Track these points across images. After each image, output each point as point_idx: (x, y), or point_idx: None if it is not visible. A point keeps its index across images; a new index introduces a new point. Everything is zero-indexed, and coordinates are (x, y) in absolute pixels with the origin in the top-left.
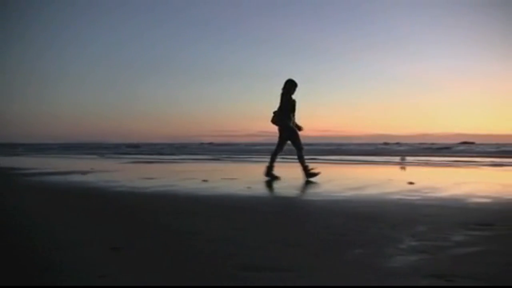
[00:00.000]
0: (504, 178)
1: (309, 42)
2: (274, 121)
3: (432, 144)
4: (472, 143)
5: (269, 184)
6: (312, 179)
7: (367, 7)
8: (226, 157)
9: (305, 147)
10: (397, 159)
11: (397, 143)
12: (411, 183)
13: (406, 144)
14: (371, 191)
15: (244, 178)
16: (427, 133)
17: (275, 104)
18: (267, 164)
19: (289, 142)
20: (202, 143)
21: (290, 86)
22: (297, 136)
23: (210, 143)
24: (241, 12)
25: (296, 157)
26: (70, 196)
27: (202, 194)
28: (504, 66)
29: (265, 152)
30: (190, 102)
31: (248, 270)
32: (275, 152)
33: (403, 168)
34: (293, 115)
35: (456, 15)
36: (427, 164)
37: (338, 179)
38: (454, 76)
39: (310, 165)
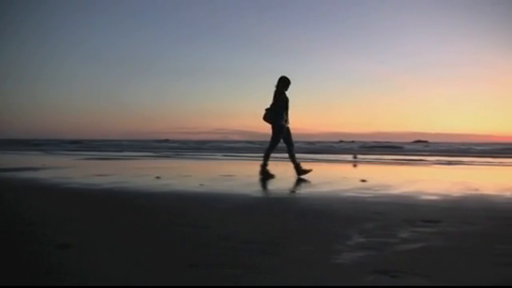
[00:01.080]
0: (453, 175)
1: (269, 40)
2: (266, 118)
3: (387, 142)
4: (426, 141)
5: (226, 182)
6: (303, 176)
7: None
8: (181, 154)
9: (263, 145)
10: (350, 157)
11: (353, 141)
12: (363, 180)
13: (361, 142)
14: (325, 189)
15: (199, 176)
16: (382, 131)
17: (235, 102)
18: (261, 162)
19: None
20: (158, 140)
21: (283, 83)
22: (288, 134)
23: (166, 140)
24: (205, 9)
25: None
26: None
27: (152, 191)
28: (459, 68)
29: (221, 149)
30: (148, 98)
31: (195, 267)
32: (268, 150)
33: (355, 166)
34: (286, 113)
35: (414, 15)
36: (380, 162)
37: (294, 177)
38: (410, 76)
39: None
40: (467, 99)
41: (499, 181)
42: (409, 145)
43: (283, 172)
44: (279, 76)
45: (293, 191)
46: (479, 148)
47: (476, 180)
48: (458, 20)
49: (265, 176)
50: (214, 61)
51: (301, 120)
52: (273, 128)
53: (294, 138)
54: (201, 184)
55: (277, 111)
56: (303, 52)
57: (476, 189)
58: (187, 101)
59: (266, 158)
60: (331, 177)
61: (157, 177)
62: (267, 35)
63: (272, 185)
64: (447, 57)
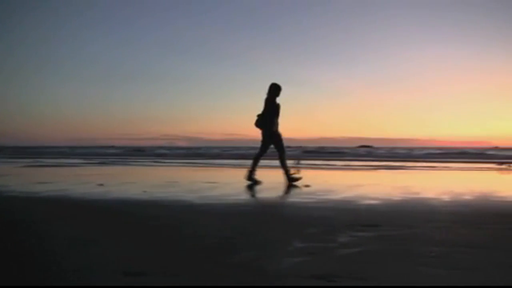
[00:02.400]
0: (395, 180)
1: (219, 46)
2: (258, 124)
3: (334, 147)
4: (370, 146)
5: (170, 188)
6: (294, 183)
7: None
8: (126, 161)
9: (207, 152)
10: (295, 162)
11: (300, 147)
12: (307, 186)
13: (306, 148)
14: (268, 194)
15: (142, 182)
16: (326, 137)
17: (182, 108)
18: (249, 167)
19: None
20: (103, 146)
21: (274, 90)
22: (280, 140)
23: (112, 146)
24: (143, 14)
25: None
26: None
27: (92, 198)
28: (401, 74)
29: (167, 155)
30: (92, 104)
31: (131, 275)
32: (258, 156)
33: (299, 171)
34: (277, 119)
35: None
36: (324, 167)
37: (238, 182)
38: (354, 82)
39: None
40: (412, 105)
41: (438, 184)
42: (353, 150)
43: (227, 179)
44: (270, 83)
45: (237, 197)
46: (421, 152)
47: (417, 184)
48: (406, 30)
49: (252, 182)
50: (161, 66)
51: (246, 125)
52: (266, 135)
53: (240, 144)
54: (144, 191)
55: (269, 118)
56: (250, 59)
57: (417, 193)
58: (133, 107)
59: (254, 164)
60: (276, 183)
61: (100, 184)
62: (216, 41)
63: (218, 191)
64: (393, 65)
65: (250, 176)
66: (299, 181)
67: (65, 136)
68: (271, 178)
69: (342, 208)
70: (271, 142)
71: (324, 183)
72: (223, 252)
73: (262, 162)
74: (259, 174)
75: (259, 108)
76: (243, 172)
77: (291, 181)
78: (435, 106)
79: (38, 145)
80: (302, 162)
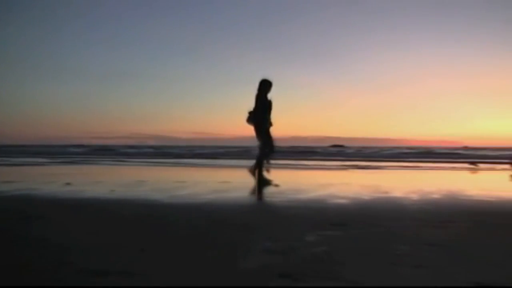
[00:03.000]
0: (364, 179)
1: (185, 45)
2: (249, 121)
3: (305, 147)
4: (342, 146)
5: (139, 188)
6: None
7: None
8: (95, 160)
9: (180, 151)
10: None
11: None
12: (276, 185)
13: (279, 147)
14: (235, 194)
15: (111, 182)
16: (298, 136)
17: (152, 106)
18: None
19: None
20: (73, 145)
21: (264, 86)
22: (270, 137)
23: (81, 145)
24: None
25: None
26: None
27: (59, 197)
28: (372, 74)
29: (137, 155)
30: (62, 103)
31: (98, 275)
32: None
33: (269, 171)
34: (269, 115)
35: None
36: (295, 167)
37: (206, 182)
38: (326, 82)
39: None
40: (383, 105)
41: (407, 184)
42: (325, 150)
43: (194, 178)
44: (260, 79)
45: (205, 196)
46: (391, 152)
47: (386, 184)
48: (377, 32)
49: (264, 183)
50: (131, 66)
51: (215, 124)
52: (256, 131)
53: (205, 143)
54: (112, 190)
55: (260, 114)
56: (222, 59)
57: (385, 192)
58: (102, 106)
59: (259, 165)
60: (246, 182)
61: (67, 183)
62: (187, 41)
63: (187, 190)
64: (365, 66)
65: (261, 178)
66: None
67: (33, 135)
68: (242, 178)
69: (310, 207)
70: (261, 137)
71: (294, 182)
72: (191, 253)
73: (235, 162)
74: (235, 175)
75: (230, 107)
76: (213, 171)
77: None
78: (406, 106)
79: (4, 144)
80: (272, 161)
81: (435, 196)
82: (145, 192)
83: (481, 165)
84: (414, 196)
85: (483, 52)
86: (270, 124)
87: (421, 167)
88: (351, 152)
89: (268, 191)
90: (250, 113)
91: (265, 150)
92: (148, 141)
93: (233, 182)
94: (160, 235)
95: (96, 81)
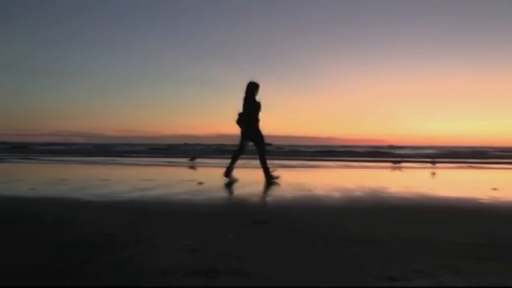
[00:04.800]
0: (290, 177)
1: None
2: (239, 122)
3: (231, 145)
4: (270, 144)
5: (60, 186)
6: (274, 181)
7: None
8: (17, 157)
9: (107, 148)
10: (189, 159)
11: (197, 144)
12: (200, 183)
13: (205, 145)
14: (159, 192)
15: (32, 180)
16: (227, 133)
17: (79, 103)
18: (227, 165)
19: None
20: None
21: (252, 88)
22: (261, 138)
23: (3, 142)
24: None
25: (258, 159)
26: None
27: None
28: (308, 74)
29: (62, 152)
30: None
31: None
32: (237, 154)
33: (194, 168)
34: (259, 117)
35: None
36: (221, 165)
37: (130, 180)
38: (245, 79)
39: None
40: (313, 104)
41: (331, 182)
42: (252, 147)
43: (119, 177)
44: (248, 82)
45: (127, 195)
46: (316, 150)
47: (310, 182)
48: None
49: (272, 180)
50: (54, 60)
51: (146, 121)
52: (244, 133)
53: (134, 141)
54: (32, 189)
55: (250, 116)
56: (150, 56)
57: (309, 190)
58: (24, 101)
59: (264, 165)
60: (169, 180)
61: None
62: (112, 34)
63: (110, 188)
64: (304, 66)
65: (228, 174)
66: (278, 178)
67: None
68: (166, 175)
69: (233, 205)
70: (254, 138)
71: (218, 180)
72: (104, 250)
73: (162, 160)
74: (161, 172)
75: (159, 104)
76: (138, 169)
77: (270, 179)
78: (334, 105)
79: None
80: (197, 160)
81: (358, 193)
82: (66, 191)
83: (405, 164)
84: (337, 194)
85: (411, 55)
86: (258, 125)
87: (348, 166)
88: (280, 150)
89: (192, 189)
90: (239, 114)
91: (262, 147)
92: (75, 138)
93: (157, 180)
94: (75, 234)
95: (18, 75)
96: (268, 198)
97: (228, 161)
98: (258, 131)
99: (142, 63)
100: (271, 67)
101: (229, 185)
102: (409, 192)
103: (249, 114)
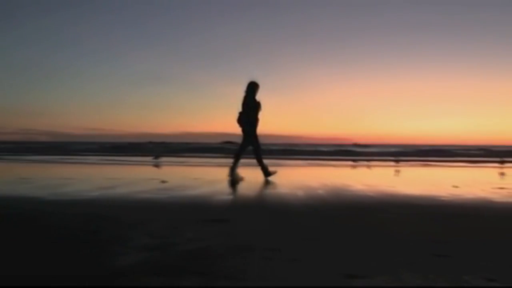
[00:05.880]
0: (253, 176)
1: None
2: (240, 121)
3: (197, 143)
4: (233, 142)
5: (23, 185)
6: (270, 177)
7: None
8: None
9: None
10: (157, 158)
11: (162, 143)
12: (164, 181)
13: (172, 143)
14: (121, 190)
15: None
16: (192, 132)
17: (42, 100)
18: (231, 164)
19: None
20: None
21: (253, 88)
22: (256, 138)
23: None
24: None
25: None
26: None
27: None
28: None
29: (24, 151)
30: None
31: None
32: (256, 155)
33: (158, 167)
34: (258, 116)
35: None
36: (185, 164)
37: (94, 178)
38: (211, 78)
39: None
40: (275, 102)
41: (293, 180)
42: (217, 146)
43: (81, 175)
44: (248, 82)
45: (89, 193)
46: (282, 149)
47: (272, 180)
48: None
49: (269, 176)
50: (14, 55)
51: (107, 119)
52: (247, 132)
53: (98, 140)
54: None
55: (250, 115)
56: (109, 52)
57: (271, 188)
58: None
59: (261, 163)
60: (132, 179)
61: None
62: (72, 31)
63: (73, 187)
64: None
65: (266, 172)
66: (275, 174)
67: None
68: (130, 174)
69: (194, 203)
70: (256, 137)
71: (182, 179)
72: (64, 250)
73: (138, 158)
74: (124, 171)
75: (123, 103)
76: (100, 168)
77: (267, 176)
78: (299, 104)
79: None
80: (163, 159)
81: (320, 191)
82: (28, 190)
83: (369, 162)
84: (300, 192)
85: (375, 54)
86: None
87: (312, 164)
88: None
89: (155, 187)
90: (240, 113)
91: (257, 146)
92: (39, 137)
93: (120, 178)
94: (29, 235)
95: None
96: (230, 197)
97: (191, 159)
98: (254, 131)
99: (108, 62)
100: (234, 66)
101: (233, 183)
102: (371, 190)
103: (249, 113)
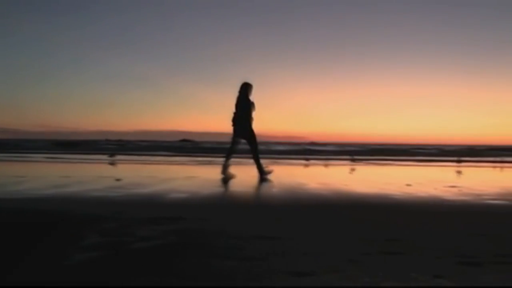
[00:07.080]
0: (209, 173)
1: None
2: (235, 121)
3: (153, 141)
4: (191, 141)
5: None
6: (266, 176)
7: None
8: None
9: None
10: (112, 156)
11: (119, 140)
12: (118, 179)
13: (129, 142)
14: (75, 189)
15: None
16: (149, 130)
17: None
18: (223, 163)
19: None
20: None
21: (246, 88)
22: (254, 137)
23: None
24: None
25: (251, 156)
26: None
27: None
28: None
29: None
30: None
31: None
32: (230, 151)
33: (114, 164)
34: (252, 116)
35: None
36: (141, 162)
37: (47, 176)
38: (168, 75)
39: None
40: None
41: (248, 178)
42: (172, 144)
43: (35, 173)
44: (242, 83)
45: (41, 192)
46: (245, 147)
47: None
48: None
49: (264, 175)
50: None
51: (62, 117)
52: (237, 131)
53: (52, 137)
54: None
55: (245, 115)
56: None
57: (224, 186)
58: None
59: (257, 163)
60: (86, 177)
61: None
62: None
63: (28, 185)
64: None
65: (262, 174)
66: (271, 173)
67: None
68: (84, 172)
69: (148, 202)
70: (247, 137)
71: (137, 177)
72: (14, 249)
73: (93, 156)
74: (78, 168)
75: (79, 100)
76: (53, 165)
77: (263, 175)
78: (261, 103)
79: None
80: (118, 157)
81: (275, 190)
82: None
83: (326, 161)
84: (253, 191)
85: (336, 52)
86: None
87: (270, 163)
88: (200, 147)
89: (108, 185)
90: (234, 114)
91: (254, 145)
92: None
93: (74, 176)
94: None
95: None
96: (184, 195)
97: (147, 157)
98: (251, 130)
99: (67, 58)
100: (195, 65)
101: (225, 181)
102: (325, 189)
103: (243, 113)
